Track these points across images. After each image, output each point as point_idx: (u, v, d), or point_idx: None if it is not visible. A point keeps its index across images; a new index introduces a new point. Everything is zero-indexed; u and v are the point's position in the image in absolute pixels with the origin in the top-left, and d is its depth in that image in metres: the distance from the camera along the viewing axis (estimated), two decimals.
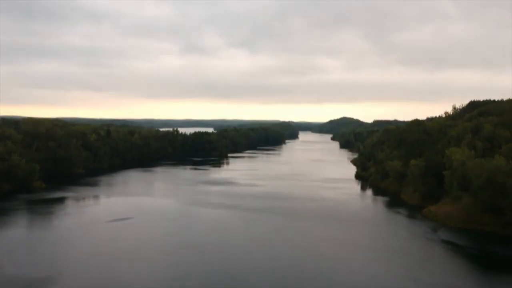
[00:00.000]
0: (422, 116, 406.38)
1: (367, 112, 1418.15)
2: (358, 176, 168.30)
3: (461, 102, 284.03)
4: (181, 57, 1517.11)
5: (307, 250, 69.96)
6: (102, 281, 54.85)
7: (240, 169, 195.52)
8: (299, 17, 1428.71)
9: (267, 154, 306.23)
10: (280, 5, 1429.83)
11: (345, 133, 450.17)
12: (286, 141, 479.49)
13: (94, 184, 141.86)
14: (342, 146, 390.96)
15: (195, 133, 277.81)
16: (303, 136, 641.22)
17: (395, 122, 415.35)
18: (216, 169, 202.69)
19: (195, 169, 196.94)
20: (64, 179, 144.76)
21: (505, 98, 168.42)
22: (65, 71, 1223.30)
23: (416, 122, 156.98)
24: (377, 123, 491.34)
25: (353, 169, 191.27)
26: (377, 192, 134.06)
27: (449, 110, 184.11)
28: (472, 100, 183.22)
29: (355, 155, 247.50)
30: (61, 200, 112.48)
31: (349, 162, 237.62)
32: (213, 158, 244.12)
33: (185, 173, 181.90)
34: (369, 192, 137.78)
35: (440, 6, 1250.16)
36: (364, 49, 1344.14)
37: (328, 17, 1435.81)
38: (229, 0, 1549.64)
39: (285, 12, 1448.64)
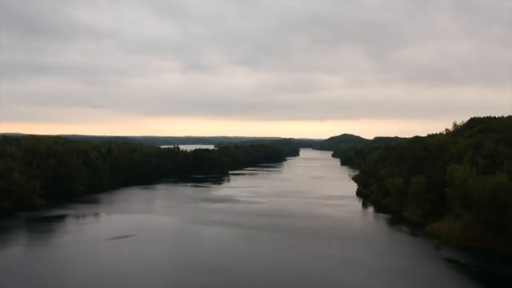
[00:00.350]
0: (423, 133, 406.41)
1: (368, 129, 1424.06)
2: (359, 193, 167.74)
3: (462, 119, 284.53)
4: (183, 75, 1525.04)
5: (309, 269, 69.24)
6: None
7: (240, 186, 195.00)
8: (300, 34, 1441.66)
9: (268, 171, 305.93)
10: (281, 23, 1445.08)
11: (346, 150, 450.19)
12: (287, 158, 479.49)
13: (94, 202, 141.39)
14: (343, 163, 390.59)
15: (196, 150, 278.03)
16: (304, 153, 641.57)
17: (396, 139, 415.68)
18: (217, 186, 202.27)
19: (196, 186, 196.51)
20: (64, 196, 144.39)
21: (505, 114, 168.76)
22: (66, 88, 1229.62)
23: (417, 139, 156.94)
24: (378, 139, 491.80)
25: (354, 186, 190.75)
26: (378, 209, 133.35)
27: (450, 127, 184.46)
28: (473, 117, 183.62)
29: (356, 172, 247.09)
30: (61, 217, 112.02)
31: (350, 179, 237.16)
32: (213, 175, 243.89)
33: (186, 191, 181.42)
34: (370, 209, 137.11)
35: (441, 23, 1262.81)
36: (365, 66, 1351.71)
37: (329, 34, 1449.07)
38: (231, 18, 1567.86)
39: (286, 30, 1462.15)
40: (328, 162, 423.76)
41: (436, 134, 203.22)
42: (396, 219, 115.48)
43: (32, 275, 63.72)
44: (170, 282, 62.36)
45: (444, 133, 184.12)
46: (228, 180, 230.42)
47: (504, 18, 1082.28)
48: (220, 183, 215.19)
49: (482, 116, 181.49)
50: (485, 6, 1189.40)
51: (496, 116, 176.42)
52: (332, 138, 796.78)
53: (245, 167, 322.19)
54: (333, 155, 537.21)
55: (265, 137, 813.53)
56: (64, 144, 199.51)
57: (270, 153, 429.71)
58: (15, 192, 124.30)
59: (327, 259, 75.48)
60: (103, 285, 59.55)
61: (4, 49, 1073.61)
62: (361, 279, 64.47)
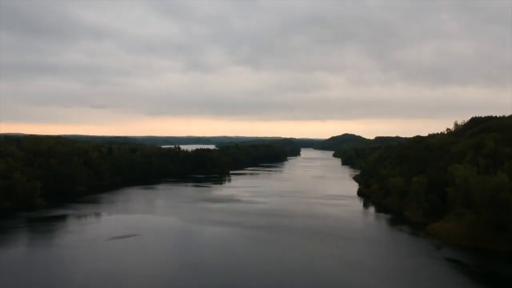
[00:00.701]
0: (424, 133, 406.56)
1: (369, 128, 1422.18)
2: (360, 193, 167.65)
3: (463, 118, 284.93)
4: (184, 74, 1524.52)
5: (310, 269, 69.15)
6: None
7: (241, 186, 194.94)
8: (301, 34, 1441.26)
9: (269, 171, 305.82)
10: (282, 23, 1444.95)
11: (347, 149, 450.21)
12: (288, 158, 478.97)
13: (95, 202, 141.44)
14: (344, 163, 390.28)
15: (197, 150, 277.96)
16: (304, 153, 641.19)
17: (397, 138, 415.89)
18: (218, 186, 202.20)
19: (197, 186, 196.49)
20: (65, 196, 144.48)
21: (506, 114, 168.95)
22: (67, 88, 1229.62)
23: (418, 139, 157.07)
24: (379, 139, 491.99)
25: (355, 186, 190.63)
26: (379, 209, 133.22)
27: (451, 126, 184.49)
28: (474, 116, 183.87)
29: (357, 172, 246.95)
30: (62, 217, 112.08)
31: (351, 179, 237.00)
32: (214, 175, 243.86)
33: (187, 190, 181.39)
34: (371, 209, 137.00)
35: (442, 23, 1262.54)
36: (366, 66, 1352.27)
37: (330, 33, 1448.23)
38: (232, 18, 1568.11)
39: (287, 30, 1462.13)
40: (329, 162, 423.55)
41: (437, 134, 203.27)
42: (397, 219, 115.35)
43: (33, 275, 63.75)
44: (172, 282, 62.29)
45: (445, 132, 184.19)
46: (229, 180, 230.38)
47: (506, 18, 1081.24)
48: (221, 183, 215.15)
49: (483, 116, 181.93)
50: (486, 6, 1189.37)
51: (497, 116, 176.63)
52: (333, 138, 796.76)
53: (246, 167, 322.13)
54: (334, 155, 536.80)
55: (266, 137, 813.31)
56: (65, 144, 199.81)
57: (271, 153, 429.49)
58: (16, 192, 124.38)
59: (328, 258, 75.42)
60: (105, 285, 59.52)
61: (5, 49, 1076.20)
62: (362, 279, 64.35)
